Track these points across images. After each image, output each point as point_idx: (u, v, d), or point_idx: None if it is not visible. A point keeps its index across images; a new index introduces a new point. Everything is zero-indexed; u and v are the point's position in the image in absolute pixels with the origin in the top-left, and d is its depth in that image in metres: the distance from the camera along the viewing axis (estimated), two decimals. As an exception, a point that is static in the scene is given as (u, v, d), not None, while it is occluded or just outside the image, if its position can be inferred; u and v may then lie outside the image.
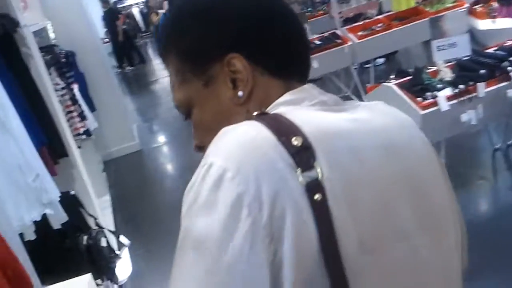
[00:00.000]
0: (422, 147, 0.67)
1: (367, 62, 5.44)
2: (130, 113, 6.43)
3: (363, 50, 4.73)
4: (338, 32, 4.96)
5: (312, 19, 6.17)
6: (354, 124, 0.60)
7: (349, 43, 4.72)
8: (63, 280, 2.43)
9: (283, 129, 0.55)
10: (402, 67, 4.70)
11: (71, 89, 3.70)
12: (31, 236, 1.98)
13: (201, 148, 0.71)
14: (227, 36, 0.65)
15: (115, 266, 2.78)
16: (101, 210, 3.31)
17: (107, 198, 4.26)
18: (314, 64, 4.49)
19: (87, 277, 2.48)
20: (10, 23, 2.49)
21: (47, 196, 1.94)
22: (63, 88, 3.39)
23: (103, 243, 2.70)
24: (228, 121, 0.63)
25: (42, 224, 2.08)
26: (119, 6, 15.74)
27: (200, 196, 0.53)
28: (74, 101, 3.66)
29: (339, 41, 4.77)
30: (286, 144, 0.54)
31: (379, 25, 5.03)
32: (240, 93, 0.65)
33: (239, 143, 0.55)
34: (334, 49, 4.69)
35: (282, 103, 0.63)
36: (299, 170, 0.52)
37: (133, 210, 4.40)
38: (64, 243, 2.56)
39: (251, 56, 0.64)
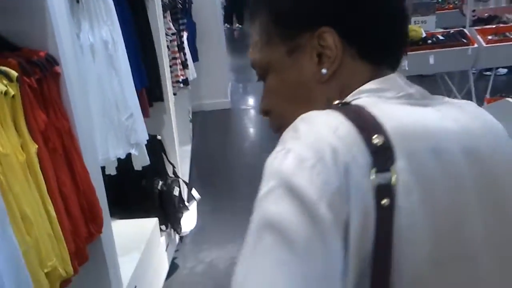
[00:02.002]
0: (510, 158, 0.61)
1: (488, 69, 5.00)
2: (228, 70, 6.49)
3: (489, 56, 4.33)
4: (466, 31, 4.58)
5: (440, 11, 5.72)
6: (440, 122, 0.57)
7: (475, 45, 4.35)
8: (132, 218, 2.54)
9: (365, 125, 0.52)
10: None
11: (181, 36, 3.75)
12: (112, 171, 2.04)
13: (267, 113, 0.70)
14: (326, 7, 0.62)
15: (181, 217, 2.85)
16: (180, 159, 3.38)
17: (187, 149, 4.35)
18: (430, 59, 4.20)
19: (154, 221, 2.56)
20: (139, -40, 2.53)
21: (135, 137, 1.98)
22: (173, 34, 3.43)
23: (176, 192, 2.76)
24: (303, 95, 0.63)
25: (124, 161, 2.14)
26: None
27: (279, 180, 0.50)
28: (181, 48, 3.70)
29: (464, 40, 4.40)
30: (367, 141, 0.51)
31: (514, 32, 4.57)
32: (324, 70, 0.62)
33: (321, 132, 0.52)
34: (457, 48, 4.34)
35: (365, 91, 0.60)
36: (373, 170, 0.50)
37: (209, 166, 4.47)
38: (140, 183, 2.64)
39: (346, 34, 0.61)
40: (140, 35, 2.52)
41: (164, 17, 3.16)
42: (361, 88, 0.61)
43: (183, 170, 3.57)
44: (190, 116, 4.88)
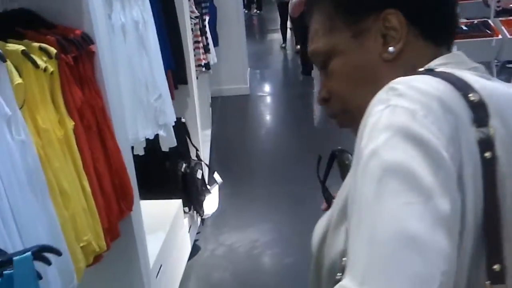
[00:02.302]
0: None
1: (511, 61, 4.91)
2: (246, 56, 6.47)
3: (513, 48, 4.27)
4: (490, 22, 4.51)
5: (464, 1, 5.62)
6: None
7: (499, 36, 4.28)
8: (155, 199, 2.57)
9: (459, 84, 0.54)
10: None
11: (203, 20, 3.75)
12: (140, 151, 2.07)
13: (327, 101, 0.72)
14: None
15: (204, 200, 2.87)
16: (201, 143, 3.40)
17: (207, 133, 4.37)
18: (453, 50, 4.14)
19: (178, 202, 2.59)
20: None
21: (164, 118, 1.99)
22: (196, 17, 3.43)
23: (199, 175, 2.78)
24: (370, 76, 0.65)
25: (149, 143, 2.16)
26: None
27: (394, 131, 0.50)
28: (203, 32, 3.70)
29: (488, 31, 4.34)
30: (465, 97, 0.53)
31: (540, 24, 4.49)
32: (391, 48, 0.64)
33: (422, 88, 0.53)
34: (480, 39, 4.29)
35: (439, 65, 0.61)
36: (475, 124, 0.52)
37: (228, 151, 4.49)
38: (163, 165, 2.67)
39: (410, 15, 0.63)
40: (166, 17, 2.53)
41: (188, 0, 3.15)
42: (432, 63, 0.62)
43: (204, 154, 3.59)
44: (210, 100, 4.89)
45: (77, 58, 1.44)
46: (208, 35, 3.96)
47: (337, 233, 0.61)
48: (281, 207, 3.40)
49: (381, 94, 0.55)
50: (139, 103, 1.91)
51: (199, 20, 3.53)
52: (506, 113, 0.55)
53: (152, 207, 2.45)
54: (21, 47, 1.20)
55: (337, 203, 0.63)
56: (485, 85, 0.57)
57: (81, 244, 1.37)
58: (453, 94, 0.53)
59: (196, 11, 3.47)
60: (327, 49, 0.69)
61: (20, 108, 1.16)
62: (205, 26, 3.81)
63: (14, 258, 0.85)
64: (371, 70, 0.66)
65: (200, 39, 3.57)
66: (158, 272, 2.12)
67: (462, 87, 0.54)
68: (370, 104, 0.55)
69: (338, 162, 0.87)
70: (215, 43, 4.61)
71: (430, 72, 0.58)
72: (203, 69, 3.66)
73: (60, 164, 1.29)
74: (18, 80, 1.16)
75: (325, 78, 0.72)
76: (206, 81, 4.53)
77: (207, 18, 4.00)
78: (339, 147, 0.87)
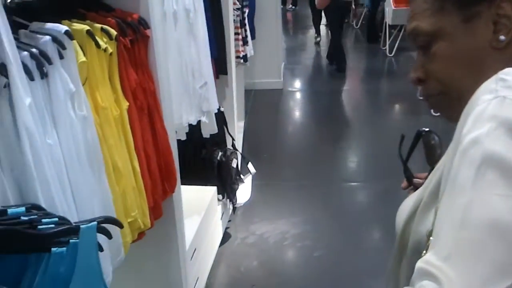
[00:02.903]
0: None
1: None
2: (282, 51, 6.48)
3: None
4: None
5: None
6: None
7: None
8: (192, 185, 2.62)
9: None
10: None
11: (243, 12, 3.78)
12: (182, 136, 2.12)
13: (422, 81, 0.72)
14: None
15: (237, 188, 2.92)
16: (236, 133, 3.44)
17: (241, 124, 4.41)
18: None
19: (213, 189, 2.63)
20: None
21: (207, 105, 2.04)
22: (237, 9, 3.47)
23: (234, 164, 2.82)
24: (476, 62, 0.65)
25: (189, 130, 2.21)
26: None
27: (499, 123, 0.51)
28: (242, 24, 3.74)
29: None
30: None
31: None
32: (502, 37, 0.63)
33: None
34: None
35: None
36: None
37: (260, 142, 4.53)
38: (201, 153, 2.72)
39: None
40: (212, 7, 2.57)
41: (231, -9, 3.19)
42: None
43: (237, 144, 3.63)
44: (244, 92, 4.93)
45: (133, 41, 1.49)
46: (247, 27, 3.99)
47: (426, 213, 0.63)
48: (310, 200, 3.42)
49: (489, 84, 0.56)
50: (185, 89, 1.95)
51: (240, 12, 3.57)
52: None
53: (188, 192, 2.50)
54: (86, 27, 1.25)
55: (427, 186, 0.65)
56: None
57: (129, 220, 1.42)
58: None
59: (237, 3, 3.51)
60: (434, 30, 0.67)
61: (83, 85, 1.22)
62: (244, 18, 3.85)
63: (82, 226, 0.89)
64: (478, 57, 0.65)
65: (239, 31, 3.61)
66: (192, 255, 2.18)
67: None
68: (477, 92, 0.56)
69: (424, 142, 0.87)
70: (253, 36, 4.64)
71: None
72: (241, 61, 3.70)
73: (115, 142, 1.34)
74: (82, 58, 1.21)
75: (425, 58, 0.70)
76: (242, 72, 4.56)
77: (246, 10, 4.04)
78: (426, 128, 0.88)
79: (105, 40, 1.33)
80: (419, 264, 0.50)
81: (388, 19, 6.67)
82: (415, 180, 0.88)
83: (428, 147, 0.87)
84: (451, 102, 0.68)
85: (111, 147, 1.33)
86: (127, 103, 1.42)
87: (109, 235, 0.98)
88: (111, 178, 1.33)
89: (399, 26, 6.83)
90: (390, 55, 6.96)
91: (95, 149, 1.23)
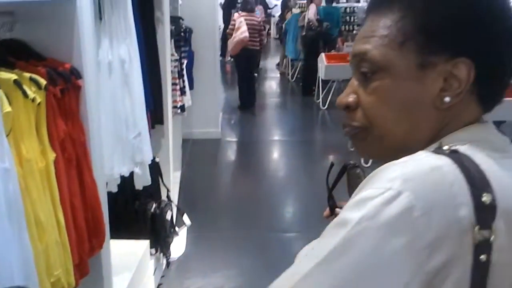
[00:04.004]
0: None
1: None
2: (220, 101, 6.56)
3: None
4: None
5: None
6: None
7: None
8: (123, 238, 2.51)
9: (477, 182, 0.54)
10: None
11: (182, 63, 3.82)
12: (113, 188, 2.05)
13: (350, 107, 0.66)
14: (479, 40, 0.61)
15: (171, 242, 2.83)
16: (171, 184, 3.38)
17: (177, 175, 4.35)
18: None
19: (146, 243, 2.54)
20: (155, -13, 2.61)
21: (141, 156, 2.00)
22: (175, 60, 3.51)
23: (168, 216, 2.75)
24: (412, 111, 0.62)
25: (121, 181, 2.14)
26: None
27: (376, 219, 0.52)
28: (180, 75, 3.77)
29: None
30: (477, 199, 0.53)
31: None
32: (447, 98, 0.61)
33: (436, 183, 0.53)
34: None
35: (469, 140, 0.60)
36: (477, 228, 0.52)
37: (197, 193, 4.46)
38: (134, 204, 2.63)
39: (482, 73, 0.61)
40: (148, 58, 2.57)
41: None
42: (465, 134, 0.62)
43: (173, 195, 3.56)
44: (181, 142, 4.90)
45: (64, 91, 1.45)
46: (185, 78, 4.03)
47: None
48: (248, 251, 3.37)
49: (396, 169, 0.55)
50: (118, 140, 1.91)
51: (177, 63, 3.61)
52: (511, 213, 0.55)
53: (118, 247, 2.39)
54: (14, 76, 1.21)
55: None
56: (502, 180, 0.56)
57: (52, 280, 1.33)
58: (466, 197, 0.53)
59: (176, 55, 3.55)
60: (384, 62, 0.62)
61: (6, 136, 1.15)
62: (183, 69, 3.89)
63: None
64: (416, 108, 0.62)
65: (177, 81, 3.63)
66: (121, 314, 2.05)
67: (478, 186, 0.54)
68: (382, 170, 0.56)
69: (348, 174, 0.86)
70: (191, 86, 4.68)
71: (454, 155, 0.56)
72: (179, 110, 3.70)
73: (39, 195, 1.27)
74: (7, 108, 1.16)
75: (361, 87, 0.66)
76: (179, 122, 4.55)
77: (185, 61, 4.08)
78: (352, 161, 0.87)
79: (33, 89, 1.29)
80: None
81: (321, 74, 6.98)
82: (337, 209, 0.88)
83: (351, 179, 0.86)
84: (371, 139, 0.66)
85: (34, 200, 1.25)
86: (54, 155, 1.36)
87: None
88: (33, 234, 1.25)
89: (331, 81, 7.19)
90: (324, 108, 7.24)
91: (16, 203, 1.16)
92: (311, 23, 7.90)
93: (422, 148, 0.62)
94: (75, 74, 1.50)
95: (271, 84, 9.85)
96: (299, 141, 6.13)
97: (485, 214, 0.53)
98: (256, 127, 6.95)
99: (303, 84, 8.26)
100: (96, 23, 1.79)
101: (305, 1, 9.54)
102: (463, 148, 0.58)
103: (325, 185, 0.90)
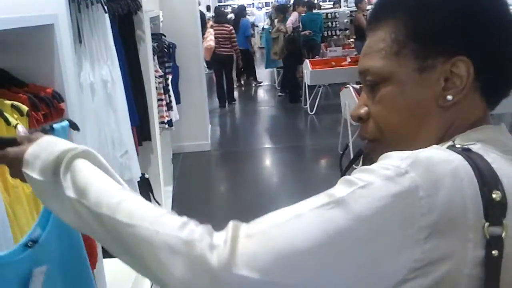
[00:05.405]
0: None
1: None
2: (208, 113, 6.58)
3: None
4: None
5: None
6: None
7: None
8: (115, 257, 2.51)
9: (487, 179, 0.55)
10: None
11: (166, 79, 3.85)
12: (104, 207, 2.05)
13: (362, 119, 0.70)
14: (470, 37, 0.62)
15: (166, 257, 2.82)
16: (163, 199, 3.39)
17: (169, 189, 4.36)
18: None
19: (140, 261, 2.53)
20: (134, 5, 2.64)
21: (129, 174, 2.01)
22: (160, 76, 3.53)
23: (161, 232, 2.75)
24: (418, 114, 0.64)
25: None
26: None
27: (378, 192, 0.53)
28: (166, 90, 3.79)
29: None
30: (486, 196, 0.54)
31: None
32: (449, 97, 0.63)
33: (445, 173, 0.54)
34: None
35: (482, 140, 0.62)
36: (486, 224, 0.54)
37: (190, 206, 4.47)
38: (126, 222, 2.63)
39: (480, 68, 0.62)
40: (132, 76, 2.60)
41: (153, 60, 3.25)
42: (478, 134, 0.63)
43: (166, 209, 3.56)
44: (171, 157, 4.91)
45: (47, 115, 1.46)
46: (171, 93, 4.05)
47: None
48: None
49: (404, 153, 0.56)
50: (105, 159, 1.92)
51: (162, 79, 3.63)
52: None
53: (113, 265, 2.39)
54: (-5, 105, 1.22)
55: None
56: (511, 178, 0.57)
57: (45, 304, 1.33)
58: (475, 192, 0.54)
59: (160, 71, 3.58)
60: (385, 73, 0.66)
61: (-9, 165, 1.16)
62: (168, 84, 3.91)
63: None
64: (422, 109, 0.64)
65: (163, 97, 3.66)
66: (119, 333, 2.05)
67: (488, 183, 0.55)
68: (395, 152, 0.57)
69: (363, 160, 0.86)
70: (177, 101, 4.70)
71: (467, 153, 0.58)
72: (166, 126, 3.72)
73: (28, 221, 1.28)
74: (-10, 137, 1.17)
75: (370, 99, 0.69)
76: (167, 137, 4.57)
77: (170, 77, 4.11)
78: None
79: (15, 116, 1.30)
80: (232, 222, 0.58)
81: (307, 80, 7.04)
82: None
83: (366, 165, 0.88)
84: (383, 150, 0.66)
85: (23, 226, 1.26)
86: (41, 179, 1.37)
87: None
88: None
89: (317, 86, 7.26)
90: (312, 113, 7.29)
91: (3, 230, 1.17)
92: (287, 34, 7.98)
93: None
94: (57, 98, 1.52)
95: (259, 93, 9.91)
96: (289, 148, 6.16)
97: (495, 210, 0.54)
98: (246, 135, 6.99)
99: (290, 91, 8.31)
100: (76, 46, 1.81)
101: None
102: (475, 147, 0.60)
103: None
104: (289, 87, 8.32)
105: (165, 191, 3.78)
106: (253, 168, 5.53)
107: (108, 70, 1.91)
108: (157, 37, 3.63)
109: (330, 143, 5.60)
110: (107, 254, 2.42)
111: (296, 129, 7.06)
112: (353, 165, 0.81)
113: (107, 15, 1.95)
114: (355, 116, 0.71)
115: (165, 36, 4.07)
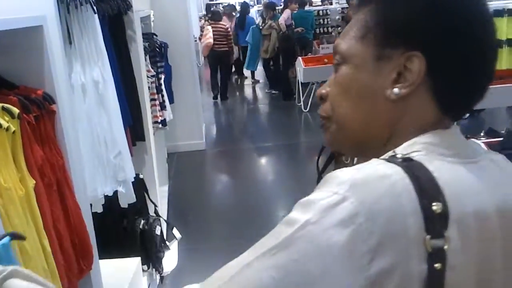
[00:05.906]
0: None
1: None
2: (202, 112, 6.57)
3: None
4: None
5: None
6: (481, 182, 0.59)
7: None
8: (114, 257, 2.51)
9: (427, 191, 0.54)
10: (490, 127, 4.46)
11: (159, 78, 3.84)
12: (98, 208, 2.05)
13: (322, 99, 0.71)
14: (431, 33, 0.61)
15: (163, 256, 2.83)
16: (159, 199, 3.39)
17: (165, 189, 4.35)
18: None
19: (137, 260, 2.54)
20: (124, 5, 2.63)
21: (123, 174, 2.01)
22: (152, 76, 3.52)
23: (157, 231, 2.76)
24: (367, 102, 0.64)
25: (106, 201, 2.15)
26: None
27: (320, 224, 0.53)
28: (159, 90, 3.78)
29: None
30: (426, 208, 0.53)
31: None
32: (396, 90, 0.62)
33: (382, 192, 0.53)
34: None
35: (424, 144, 0.61)
36: (428, 237, 0.53)
37: (186, 206, 4.47)
38: (122, 223, 2.64)
39: (433, 66, 0.61)
40: (124, 76, 2.59)
41: (145, 59, 3.25)
42: (421, 138, 0.62)
43: (162, 210, 3.57)
44: (166, 156, 4.91)
45: (39, 117, 1.46)
46: (164, 92, 4.04)
47: None
48: (240, 261, 3.38)
49: (346, 175, 0.56)
50: (98, 160, 1.92)
51: (155, 79, 3.62)
52: (466, 220, 0.56)
53: (109, 266, 2.39)
54: (-15, 108, 1.21)
55: None
56: (456, 187, 0.56)
57: (41, 306, 1.33)
58: (414, 206, 0.53)
59: (152, 70, 3.57)
60: (348, 54, 0.66)
61: (-18, 168, 1.16)
62: (161, 84, 3.90)
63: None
64: (372, 98, 0.64)
65: (156, 97, 3.65)
66: (117, 334, 2.05)
67: (428, 195, 0.54)
68: (336, 173, 0.57)
69: (336, 162, 0.87)
70: (171, 100, 4.69)
71: (407, 163, 0.57)
72: (160, 125, 3.71)
73: (21, 223, 1.28)
74: (-19, 140, 1.16)
75: (332, 78, 0.70)
76: (162, 137, 4.56)
77: (162, 76, 4.10)
78: None
79: (6, 119, 1.29)
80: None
81: (300, 77, 7.05)
82: None
83: (339, 167, 0.88)
84: (332, 129, 0.69)
85: (16, 228, 1.26)
86: (34, 181, 1.37)
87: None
88: (19, 263, 1.25)
89: (310, 83, 7.26)
90: (306, 111, 7.30)
91: (-3, 234, 1.16)
92: (281, 31, 8.03)
93: (380, 146, 0.64)
94: (48, 100, 1.51)
95: (252, 92, 9.91)
96: (284, 145, 6.17)
97: (436, 223, 0.53)
98: (240, 134, 6.99)
99: (283, 89, 8.32)
100: (66, 48, 1.81)
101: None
102: (417, 155, 0.59)
103: (316, 184, 0.91)
104: (282, 85, 8.33)
105: (160, 191, 3.77)
106: (248, 167, 5.53)
107: (99, 70, 1.91)
108: (148, 36, 3.62)
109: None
110: (103, 255, 2.42)
111: (290, 127, 7.06)
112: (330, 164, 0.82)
113: (96, 15, 1.95)
114: (319, 95, 0.72)
115: (156, 35, 4.06)
